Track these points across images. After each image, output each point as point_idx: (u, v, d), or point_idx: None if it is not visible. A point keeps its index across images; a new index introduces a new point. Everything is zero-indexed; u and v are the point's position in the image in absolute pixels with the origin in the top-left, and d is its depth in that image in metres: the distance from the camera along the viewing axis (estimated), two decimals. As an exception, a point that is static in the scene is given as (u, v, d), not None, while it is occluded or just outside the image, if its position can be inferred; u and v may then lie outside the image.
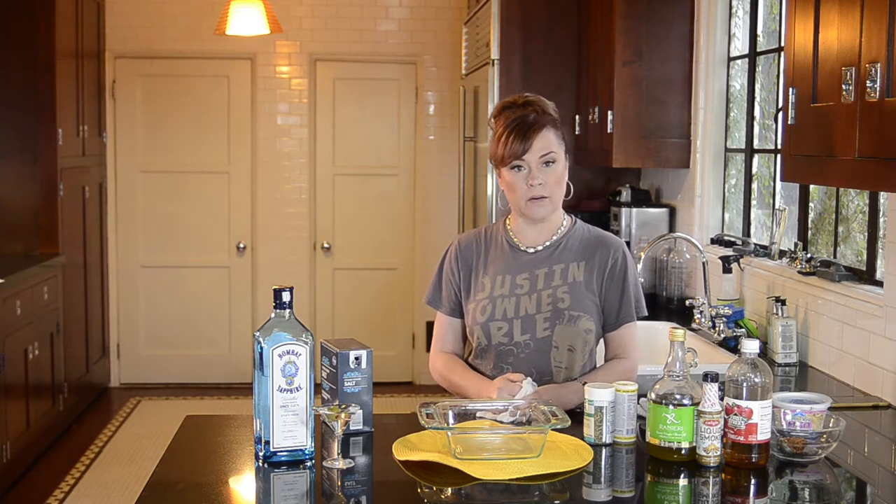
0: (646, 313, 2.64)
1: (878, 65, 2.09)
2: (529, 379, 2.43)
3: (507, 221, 2.66)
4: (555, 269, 2.56)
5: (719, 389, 2.11)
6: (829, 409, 2.21)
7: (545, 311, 2.52)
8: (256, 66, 6.72)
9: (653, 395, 2.16)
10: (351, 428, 2.26)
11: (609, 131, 4.26)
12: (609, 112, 4.25)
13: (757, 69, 3.98)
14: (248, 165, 6.80)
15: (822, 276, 3.14)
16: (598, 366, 2.61)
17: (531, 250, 2.59)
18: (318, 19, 6.71)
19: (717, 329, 3.46)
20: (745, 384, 2.08)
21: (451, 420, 2.21)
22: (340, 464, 2.09)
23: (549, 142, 2.50)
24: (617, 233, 4.49)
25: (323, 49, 6.75)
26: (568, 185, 2.56)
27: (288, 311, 2.11)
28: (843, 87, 2.23)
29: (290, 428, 2.09)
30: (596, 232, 2.64)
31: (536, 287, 2.55)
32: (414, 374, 6.93)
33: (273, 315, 2.11)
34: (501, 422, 2.27)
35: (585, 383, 2.35)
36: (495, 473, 2.02)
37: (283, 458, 2.10)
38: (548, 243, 2.59)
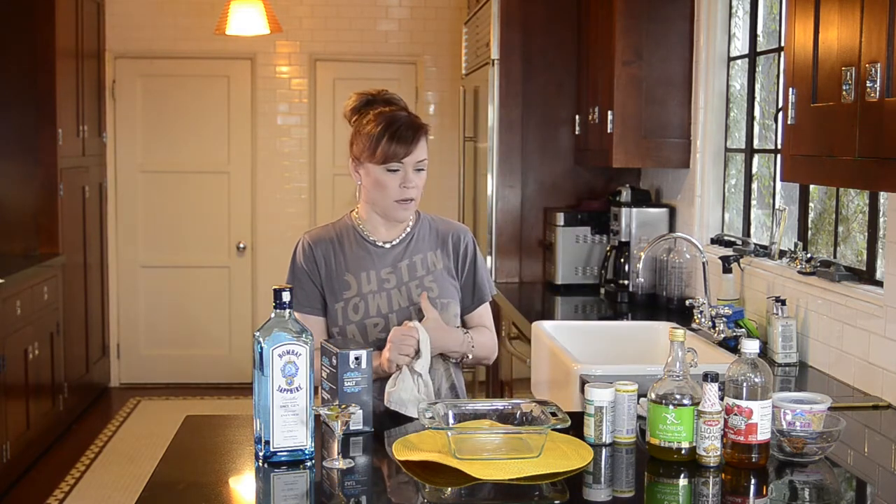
0: (495, 292, 2.78)
1: (878, 65, 2.09)
2: (416, 322, 2.49)
3: (355, 216, 2.68)
4: (415, 259, 2.63)
5: (719, 389, 2.11)
6: (829, 409, 2.21)
7: (418, 303, 2.58)
8: (256, 66, 6.73)
9: (653, 395, 2.15)
10: (351, 428, 2.26)
11: (609, 131, 4.26)
12: (609, 112, 4.25)
13: (757, 69, 3.97)
14: (248, 165, 6.80)
15: (822, 276, 3.14)
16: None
17: (387, 245, 2.64)
18: (318, 19, 6.72)
19: (717, 329, 3.45)
20: (745, 384, 2.08)
21: (451, 420, 2.21)
22: (340, 464, 2.09)
23: (424, 149, 2.59)
24: (617, 233, 4.49)
25: (323, 49, 6.75)
26: None
27: (288, 310, 2.11)
28: (843, 87, 2.23)
29: (290, 428, 2.09)
30: (441, 220, 2.75)
31: (403, 280, 2.61)
32: (414, 374, 6.92)
33: (273, 315, 2.11)
34: (416, 371, 2.43)
35: (468, 332, 2.59)
36: (495, 473, 2.02)
37: (283, 458, 2.10)
38: (402, 236, 2.66)
